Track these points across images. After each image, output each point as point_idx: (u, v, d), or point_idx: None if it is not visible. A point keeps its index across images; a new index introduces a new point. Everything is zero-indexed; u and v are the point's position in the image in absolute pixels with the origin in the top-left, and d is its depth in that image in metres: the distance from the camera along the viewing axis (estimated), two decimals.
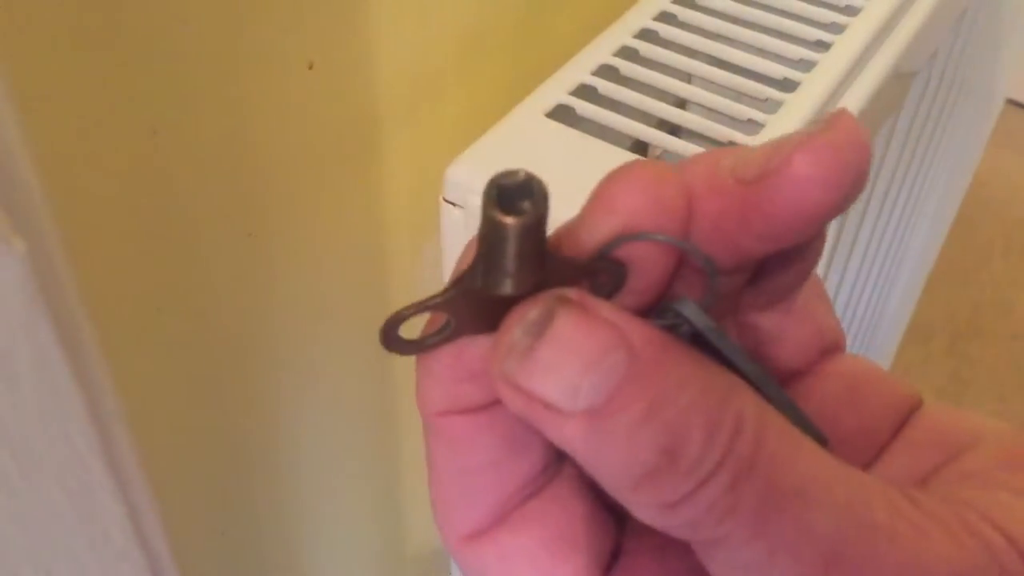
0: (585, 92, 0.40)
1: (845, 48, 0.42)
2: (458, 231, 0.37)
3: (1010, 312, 1.74)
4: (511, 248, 0.17)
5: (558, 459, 0.20)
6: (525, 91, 0.39)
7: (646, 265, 0.18)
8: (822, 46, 0.42)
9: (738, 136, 0.38)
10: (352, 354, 0.42)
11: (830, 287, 0.54)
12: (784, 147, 0.17)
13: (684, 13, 0.44)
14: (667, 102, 0.40)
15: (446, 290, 0.18)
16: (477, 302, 0.18)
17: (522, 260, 0.17)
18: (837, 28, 0.43)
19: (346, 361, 0.42)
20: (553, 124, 0.38)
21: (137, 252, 0.30)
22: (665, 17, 0.43)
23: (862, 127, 0.18)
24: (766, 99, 0.40)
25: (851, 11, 0.44)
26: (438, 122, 0.40)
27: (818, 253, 0.21)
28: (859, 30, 0.43)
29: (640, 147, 0.39)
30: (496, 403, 0.19)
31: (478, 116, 0.41)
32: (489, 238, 0.17)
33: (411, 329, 0.18)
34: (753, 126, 0.39)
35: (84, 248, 0.28)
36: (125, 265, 0.30)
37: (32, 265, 0.18)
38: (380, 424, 0.47)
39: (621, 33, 0.42)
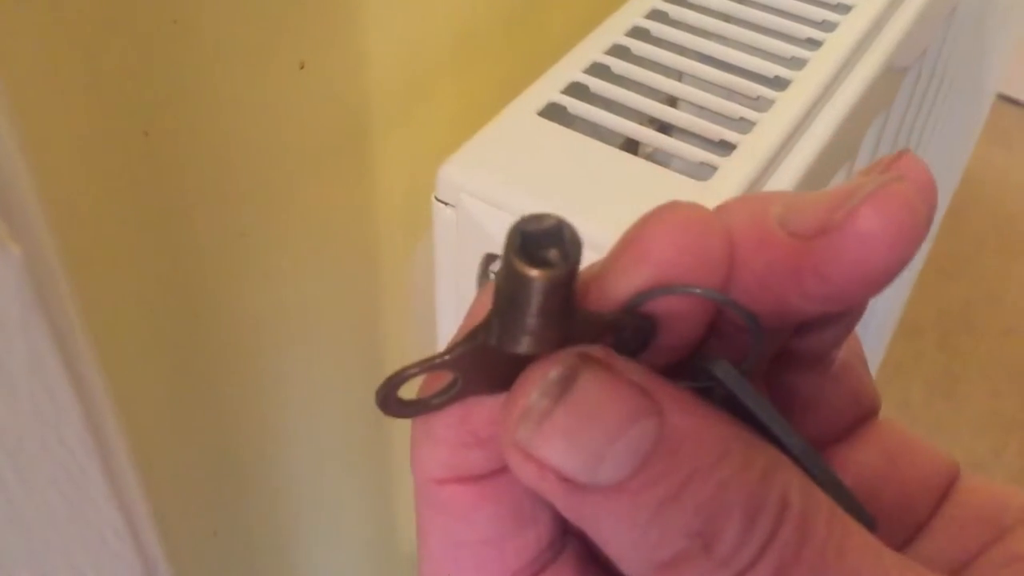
0: (577, 90, 0.40)
1: (836, 46, 0.42)
2: (450, 230, 0.38)
3: (1001, 307, 1.74)
4: (535, 304, 0.14)
5: (565, 533, 0.19)
6: (518, 89, 0.39)
7: (679, 321, 0.16)
8: (813, 44, 0.43)
9: (729, 134, 0.38)
10: (345, 354, 0.42)
11: None
12: (849, 198, 0.15)
13: (675, 11, 0.44)
14: (658, 100, 0.40)
15: (455, 346, 0.16)
16: (489, 359, 0.16)
17: (546, 317, 0.15)
18: (828, 26, 0.43)
19: (338, 361, 0.42)
20: (545, 123, 0.38)
21: (131, 254, 0.30)
22: (656, 15, 0.43)
23: (930, 171, 0.16)
24: (757, 97, 0.40)
25: (842, 9, 0.44)
26: (431, 121, 0.40)
27: (864, 308, 0.19)
28: (850, 28, 0.43)
29: (631, 145, 0.39)
30: (503, 471, 0.17)
31: (471, 115, 0.41)
32: (510, 291, 0.14)
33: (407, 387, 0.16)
34: (745, 124, 0.39)
35: (78, 252, 0.28)
36: (119, 267, 0.30)
37: (28, 270, 0.18)
38: (372, 425, 0.47)
39: (612, 31, 0.42)
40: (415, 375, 0.16)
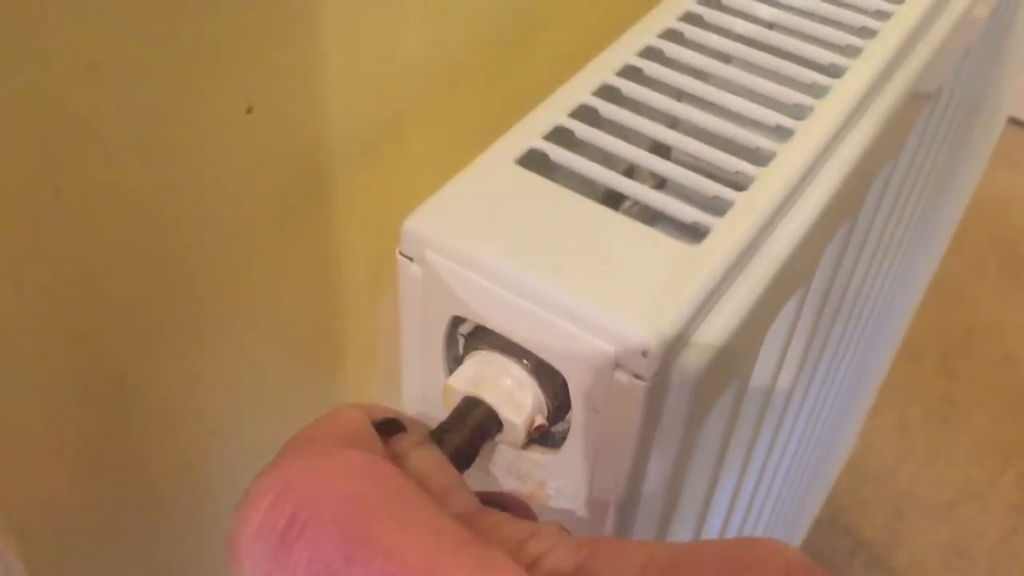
0: (560, 136, 0.36)
1: (842, 94, 0.39)
2: (415, 288, 0.34)
3: (1002, 332, 1.71)
4: None
5: None
6: (497, 133, 0.36)
7: None
8: (820, 89, 0.39)
9: (727, 192, 0.34)
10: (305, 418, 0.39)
11: (832, 301, 0.50)
12: None
13: (671, 49, 0.40)
14: (649, 148, 0.37)
15: None
16: None
17: None
18: (836, 70, 0.40)
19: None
20: (523, 172, 0.35)
21: (41, 327, 0.26)
22: (650, 53, 0.40)
23: None
24: (756, 148, 0.37)
25: (851, 51, 0.41)
26: (400, 167, 0.36)
27: None
28: (856, 77, 0.40)
29: (614, 198, 0.36)
30: None
31: (445, 160, 0.37)
32: None
33: None
34: (743, 178, 0.35)
35: None
36: (24, 340, 0.26)
37: None
38: None
39: (602, 70, 0.39)
40: None
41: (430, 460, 0.26)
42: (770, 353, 0.42)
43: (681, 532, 0.43)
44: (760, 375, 0.42)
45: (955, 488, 1.53)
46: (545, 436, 0.34)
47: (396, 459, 0.26)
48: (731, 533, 0.56)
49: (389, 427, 0.27)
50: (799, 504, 0.94)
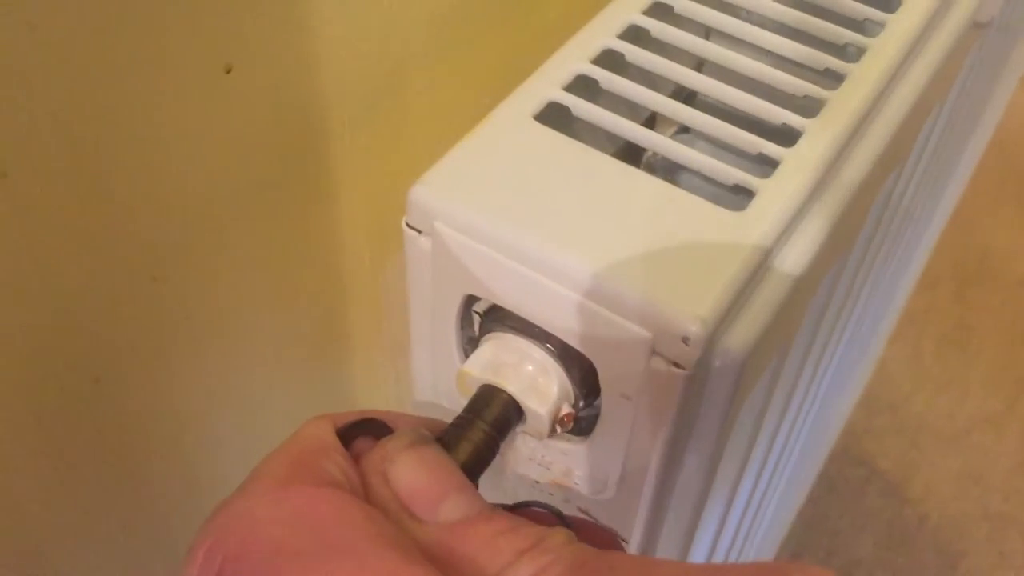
0: (584, 86, 0.32)
1: (896, 33, 0.35)
2: (423, 260, 0.30)
3: (1019, 258, 1.67)
4: None
5: None
6: (510, 84, 0.32)
7: None
8: (874, 25, 0.35)
9: (772, 148, 0.31)
10: (312, 398, 0.35)
11: (872, 250, 0.46)
12: None
13: None
14: (682, 98, 0.33)
15: None
16: None
17: None
18: (890, 4, 0.36)
19: (307, 405, 0.35)
20: (542, 129, 0.31)
21: (12, 325, 0.23)
22: None
23: None
24: (804, 96, 0.32)
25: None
26: (402, 126, 0.32)
27: None
28: (899, 26, 0.36)
29: (635, 151, 0.32)
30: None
31: (451, 117, 0.33)
32: None
33: None
34: (790, 131, 0.32)
35: None
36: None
37: None
38: None
39: (628, 8, 0.35)
40: None
41: (421, 464, 0.23)
42: (810, 316, 0.39)
43: (712, 511, 0.40)
44: (799, 341, 0.39)
45: (969, 416, 1.51)
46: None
47: (380, 464, 0.23)
48: (755, 499, 0.53)
49: (372, 430, 0.24)
50: (816, 449, 0.91)
